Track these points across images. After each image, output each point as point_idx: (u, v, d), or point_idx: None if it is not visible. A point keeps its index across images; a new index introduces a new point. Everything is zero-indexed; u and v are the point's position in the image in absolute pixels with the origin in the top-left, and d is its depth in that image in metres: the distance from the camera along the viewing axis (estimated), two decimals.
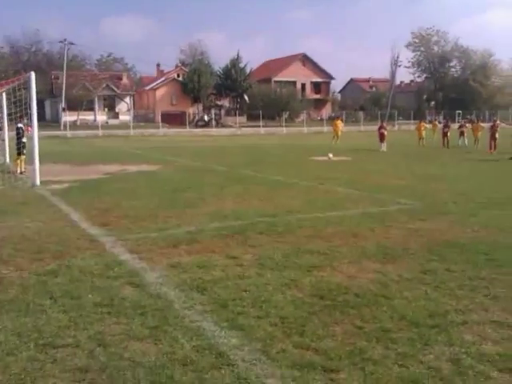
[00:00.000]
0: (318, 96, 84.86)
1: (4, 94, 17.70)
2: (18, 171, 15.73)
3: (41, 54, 75.79)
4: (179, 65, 77.60)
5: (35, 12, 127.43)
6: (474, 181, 13.84)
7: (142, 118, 68.92)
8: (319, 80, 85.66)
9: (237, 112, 68.51)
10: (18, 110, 15.09)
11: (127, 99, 69.03)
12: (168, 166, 18.32)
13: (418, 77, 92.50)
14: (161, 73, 79.04)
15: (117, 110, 68.62)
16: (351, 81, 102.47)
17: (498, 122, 26.80)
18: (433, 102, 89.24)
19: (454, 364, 3.60)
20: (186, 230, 7.61)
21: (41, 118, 57.00)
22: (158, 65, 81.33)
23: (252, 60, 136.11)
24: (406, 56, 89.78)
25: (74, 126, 56.35)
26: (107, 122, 62.57)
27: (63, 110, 59.00)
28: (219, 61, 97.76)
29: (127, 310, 4.48)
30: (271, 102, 67.88)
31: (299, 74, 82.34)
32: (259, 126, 59.11)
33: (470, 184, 13.05)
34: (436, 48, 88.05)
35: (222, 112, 72.54)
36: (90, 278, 5.36)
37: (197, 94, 68.47)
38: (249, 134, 52.45)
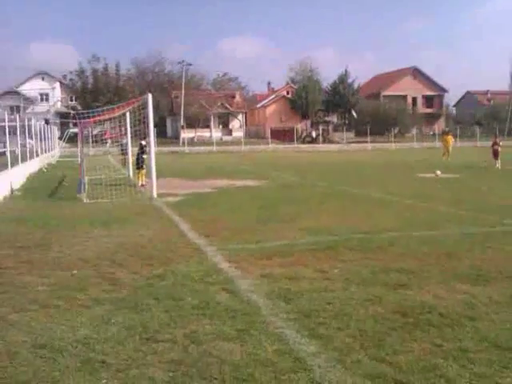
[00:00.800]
0: (430, 110, 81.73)
1: (128, 114, 19.59)
2: (139, 184, 17.30)
3: (163, 75, 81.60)
4: (289, 82, 79.20)
5: (158, 33, 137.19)
6: None
7: (254, 134, 71.26)
8: (431, 93, 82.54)
9: (344, 128, 68.21)
10: (142, 128, 16.66)
11: (240, 116, 71.84)
12: (272, 181, 18.98)
13: None
14: (271, 90, 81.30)
15: (230, 127, 71.64)
16: (467, 93, 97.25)
17: None
18: None
19: None
20: (280, 243, 8.03)
21: (162, 134, 61.68)
22: (269, 83, 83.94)
23: (361, 75, 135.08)
24: None
25: (191, 142, 59.93)
26: (221, 139, 65.64)
27: (182, 127, 63.03)
28: (328, 76, 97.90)
29: (220, 313, 4.97)
30: (379, 117, 66.85)
31: (410, 88, 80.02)
32: (367, 142, 58.38)
33: None
34: None
35: (330, 128, 72.62)
36: (190, 283, 5.96)
37: (305, 110, 69.37)
38: (356, 150, 52.05)
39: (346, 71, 72.57)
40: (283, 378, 3.73)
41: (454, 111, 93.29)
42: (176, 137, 65.20)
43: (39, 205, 13.08)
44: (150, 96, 14.54)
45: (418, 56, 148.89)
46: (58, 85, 76.65)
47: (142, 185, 17.15)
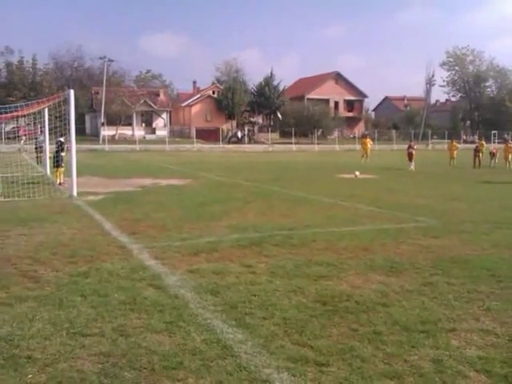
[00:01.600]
0: (351, 114, 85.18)
1: (46, 110, 18.85)
2: (57, 182, 16.68)
3: (82, 70, 79.04)
4: (215, 82, 79.36)
5: (78, 29, 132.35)
6: (497, 202, 13.92)
7: (178, 133, 70.65)
8: (352, 98, 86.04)
9: (269, 129, 69.42)
10: (60, 125, 16.10)
11: (164, 115, 70.91)
12: (198, 180, 19.04)
13: (453, 96, 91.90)
14: (197, 90, 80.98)
15: (154, 126, 70.55)
16: (385, 99, 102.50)
17: None
18: (468, 122, 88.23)
19: (435, 364, 3.98)
20: (207, 240, 8.17)
21: (81, 132, 59.52)
22: (195, 82, 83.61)
23: (285, 78, 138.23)
24: (441, 75, 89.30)
25: (112, 140, 58.34)
26: (144, 137, 64.44)
27: (102, 124, 61.17)
28: (253, 78, 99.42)
29: (148, 308, 5.03)
30: (304, 120, 68.72)
31: (332, 92, 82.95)
32: (291, 143, 59.79)
33: (492, 204, 13.18)
34: (471, 67, 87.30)
35: (256, 129, 73.60)
36: (116, 280, 5.95)
37: (231, 110, 69.82)
38: (281, 151, 53.13)
39: (271, 73, 74.06)
40: (211, 365, 3.88)
41: (373, 115, 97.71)
42: (96, 134, 63.11)
43: None
44: (71, 92, 14.11)
45: (340, 61, 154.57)
46: None
47: (60, 183, 16.54)
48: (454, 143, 31.40)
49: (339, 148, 58.30)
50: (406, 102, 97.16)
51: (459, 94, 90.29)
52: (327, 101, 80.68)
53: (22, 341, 4.20)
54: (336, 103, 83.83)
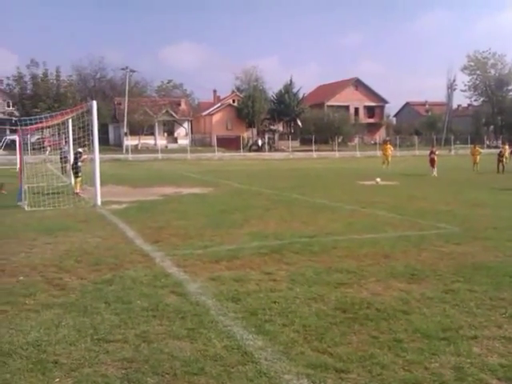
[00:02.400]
0: (371, 120, 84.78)
1: (70, 120, 19.24)
2: (75, 192, 16.88)
3: (105, 81, 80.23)
4: (235, 91, 79.83)
5: (100, 41, 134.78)
6: None
7: (199, 142, 71.19)
8: (373, 104, 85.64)
9: (290, 136, 69.48)
10: (83, 135, 16.42)
11: (185, 124, 71.56)
12: (219, 188, 19.18)
13: (475, 100, 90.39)
14: (217, 98, 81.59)
15: (175, 135, 71.22)
16: (407, 104, 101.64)
17: None
18: (491, 127, 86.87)
19: (456, 371, 3.96)
20: (228, 247, 8.26)
21: (104, 142, 60.36)
22: (215, 91, 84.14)
23: (305, 85, 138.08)
24: (463, 79, 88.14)
25: (135, 149, 59.10)
26: (166, 146, 65.07)
27: (125, 134, 62.04)
28: (273, 86, 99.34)
29: (169, 314, 5.12)
30: (324, 127, 68.68)
31: (352, 99, 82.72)
32: (312, 150, 59.72)
33: None
34: (493, 71, 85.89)
35: (276, 136, 73.72)
36: (139, 287, 6.07)
37: (251, 118, 70.12)
38: (301, 158, 53.13)
39: (290, 81, 74.19)
40: (232, 371, 3.94)
41: (395, 121, 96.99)
42: (119, 144, 64.08)
43: None
44: (94, 103, 14.42)
45: (360, 67, 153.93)
46: None
47: (77, 193, 16.73)
48: (477, 148, 30.95)
49: (360, 154, 58.01)
50: (427, 107, 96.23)
51: (481, 99, 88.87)
52: (347, 107, 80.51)
53: (49, 346, 4.34)
54: (356, 109, 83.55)
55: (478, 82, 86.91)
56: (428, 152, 28.82)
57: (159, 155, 52.44)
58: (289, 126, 75.96)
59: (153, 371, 3.92)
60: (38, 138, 35.93)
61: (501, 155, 28.59)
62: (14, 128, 37.60)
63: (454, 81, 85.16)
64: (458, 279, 6.41)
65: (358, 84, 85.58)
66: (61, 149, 24.71)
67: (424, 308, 5.36)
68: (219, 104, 76.80)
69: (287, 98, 71.45)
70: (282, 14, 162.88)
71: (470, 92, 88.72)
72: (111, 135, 69.64)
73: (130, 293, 5.84)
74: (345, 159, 50.39)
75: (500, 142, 59.71)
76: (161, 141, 66.86)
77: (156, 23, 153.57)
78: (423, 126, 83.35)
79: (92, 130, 14.46)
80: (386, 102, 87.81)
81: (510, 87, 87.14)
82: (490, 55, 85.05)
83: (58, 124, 19.52)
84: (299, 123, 72.37)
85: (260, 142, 68.13)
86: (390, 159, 31.99)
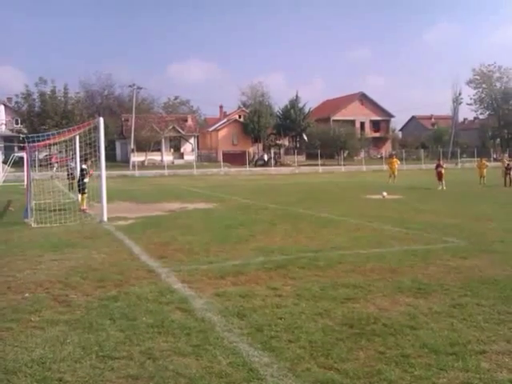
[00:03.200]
0: (377, 134, 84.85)
1: (77, 137, 19.39)
2: (80, 208, 16.92)
3: (112, 98, 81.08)
4: (241, 106, 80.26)
5: (108, 58, 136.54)
6: None
7: (206, 157, 71.45)
8: (378, 118, 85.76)
9: (295, 151, 69.61)
10: (90, 152, 16.51)
11: (192, 140, 71.91)
12: (224, 203, 19.19)
13: (481, 114, 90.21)
14: (223, 114, 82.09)
15: (182, 151, 71.52)
16: (412, 118, 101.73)
17: None
18: (498, 140, 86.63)
19: None
20: (233, 263, 8.24)
21: (112, 158, 60.80)
22: (221, 106, 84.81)
23: (311, 100, 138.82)
24: (468, 93, 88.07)
25: (142, 166, 59.39)
26: (173, 162, 65.37)
27: (132, 150, 62.40)
28: (279, 101, 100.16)
29: (175, 331, 5.10)
30: (330, 141, 68.72)
31: (358, 113, 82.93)
32: (317, 165, 59.75)
33: None
34: (499, 84, 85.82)
35: (282, 151, 73.89)
36: (145, 303, 6.05)
37: (257, 134, 70.34)
38: (307, 173, 53.13)
39: (296, 96, 74.45)
40: None
41: (401, 135, 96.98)
42: (126, 160, 64.39)
43: None
44: (101, 119, 14.53)
45: (365, 82, 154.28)
46: (2, 108, 74.43)
47: (83, 209, 16.78)
48: (484, 161, 30.85)
49: (366, 168, 57.98)
50: (433, 120, 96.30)
51: (487, 112, 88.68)
52: (353, 122, 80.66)
53: (54, 363, 4.32)
54: (362, 124, 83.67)
55: (483, 95, 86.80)
56: (434, 165, 28.76)
57: (165, 171, 52.63)
58: (295, 140, 76.11)
59: None
60: (46, 155, 36.26)
61: (508, 168, 28.46)
62: (21, 145, 37.92)
63: (460, 94, 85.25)
64: (466, 293, 6.35)
65: (364, 98, 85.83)
66: (68, 165, 24.88)
67: (431, 323, 5.31)
68: (225, 120, 77.21)
69: (293, 113, 71.68)
70: (288, 30, 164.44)
71: (476, 105, 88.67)
72: (118, 151, 70.03)
73: (136, 309, 5.83)
74: (351, 173, 50.36)
75: (507, 155, 59.52)
76: (167, 157, 67.17)
77: (163, 41, 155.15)
78: (429, 139, 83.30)
79: (99, 147, 14.55)
80: (391, 116, 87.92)
81: None
82: (495, 69, 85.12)
83: (66, 141, 19.67)
84: (305, 138, 72.52)
85: (266, 157, 68.27)
86: (396, 173, 31.93)
